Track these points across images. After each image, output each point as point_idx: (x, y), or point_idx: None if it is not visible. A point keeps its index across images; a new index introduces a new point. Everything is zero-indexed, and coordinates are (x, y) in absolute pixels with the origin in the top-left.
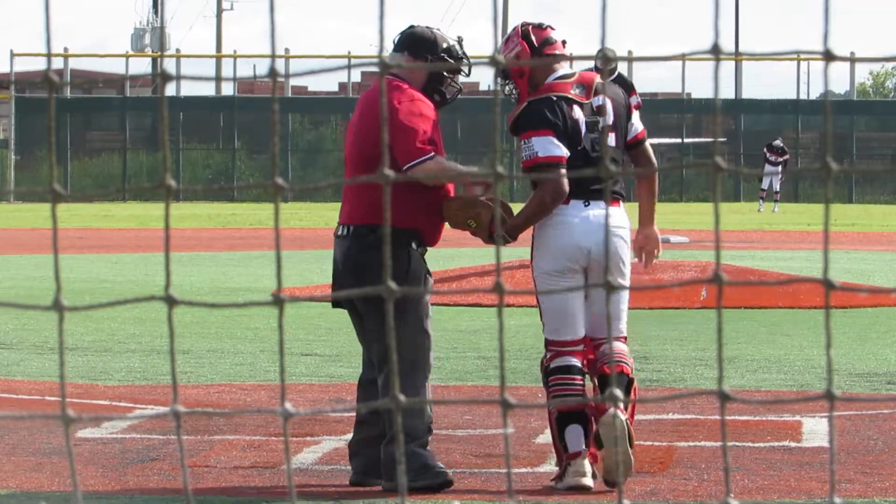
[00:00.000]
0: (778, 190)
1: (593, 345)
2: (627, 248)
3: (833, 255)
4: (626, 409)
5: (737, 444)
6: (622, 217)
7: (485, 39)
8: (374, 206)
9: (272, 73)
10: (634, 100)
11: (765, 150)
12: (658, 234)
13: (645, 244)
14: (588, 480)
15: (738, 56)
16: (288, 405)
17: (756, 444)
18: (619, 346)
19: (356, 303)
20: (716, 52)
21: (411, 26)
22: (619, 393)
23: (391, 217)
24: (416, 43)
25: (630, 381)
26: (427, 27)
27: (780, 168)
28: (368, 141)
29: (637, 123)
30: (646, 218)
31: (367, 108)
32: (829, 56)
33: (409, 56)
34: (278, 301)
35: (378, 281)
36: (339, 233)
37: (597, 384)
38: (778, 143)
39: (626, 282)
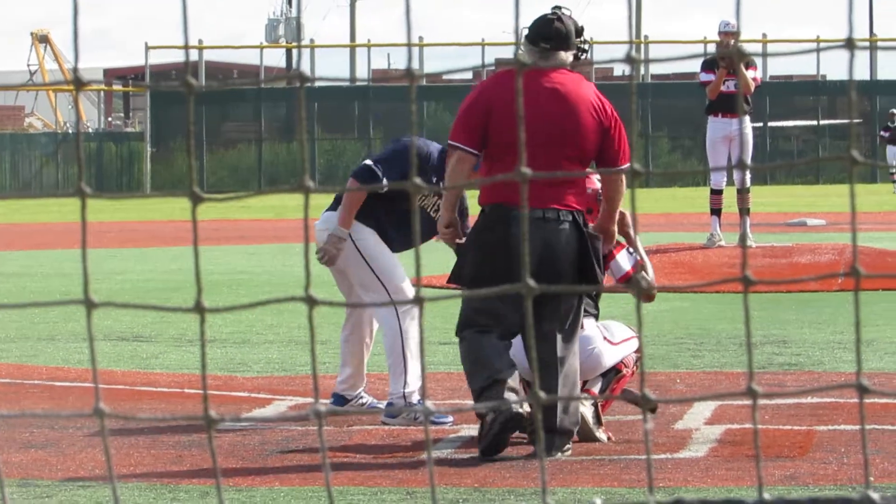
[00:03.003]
0: None
1: None
2: None
3: None
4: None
5: (876, 427)
6: None
7: (620, 24)
8: (583, 192)
9: (409, 72)
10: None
11: (881, 132)
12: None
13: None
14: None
15: (872, 40)
16: (429, 403)
17: None
18: None
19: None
20: (850, 45)
21: (556, 17)
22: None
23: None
24: (570, 35)
25: None
26: (562, 13)
27: None
28: (590, 138)
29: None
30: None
31: (578, 102)
32: None
33: (570, 51)
34: (419, 301)
35: (594, 263)
36: (551, 216)
37: None
38: (894, 119)
39: None
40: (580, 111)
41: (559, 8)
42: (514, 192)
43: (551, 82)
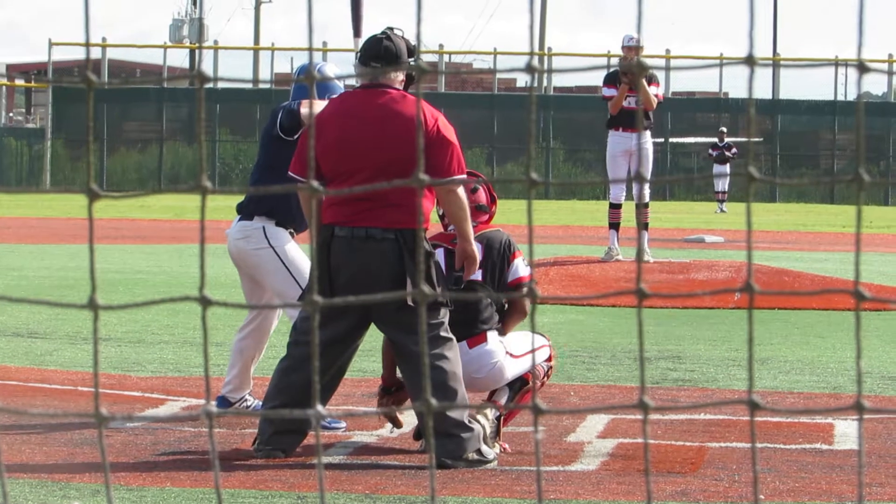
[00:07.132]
0: (726, 190)
1: None
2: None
3: (868, 258)
4: None
5: (768, 445)
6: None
7: (526, 37)
8: (414, 211)
9: (309, 74)
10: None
11: (710, 150)
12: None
13: None
14: None
15: (775, 58)
16: (319, 407)
17: (787, 446)
18: None
19: (383, 309)
20: (750, 61)
21: (386, 36)
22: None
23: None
24: (400, 54)
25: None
26: (393, 33)
27: (727, 166)
28: (407, 151)
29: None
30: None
31: (393, 118)
32: (863, 67)
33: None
34: (313, 303)
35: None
36: (369, 235)
37: None
38: (723, 138)
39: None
40: (397, 129)
41: (392, 29)
42: (334, 212)
43: (371, 104)
